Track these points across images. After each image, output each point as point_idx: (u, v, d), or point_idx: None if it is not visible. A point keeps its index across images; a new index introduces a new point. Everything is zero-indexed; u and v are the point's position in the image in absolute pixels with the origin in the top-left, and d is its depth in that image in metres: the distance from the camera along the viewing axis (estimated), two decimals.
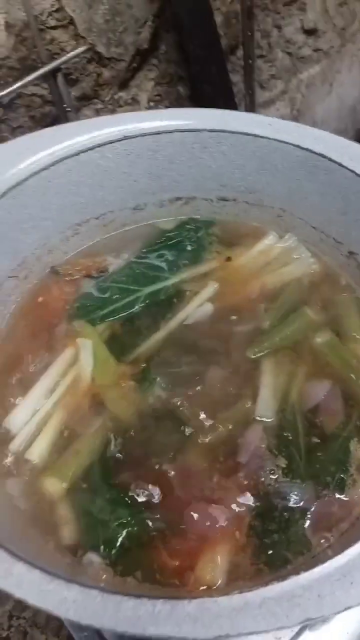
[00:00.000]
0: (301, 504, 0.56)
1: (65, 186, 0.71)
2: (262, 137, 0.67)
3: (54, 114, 0.89)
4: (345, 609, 0.40)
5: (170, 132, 0.70)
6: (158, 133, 0.70)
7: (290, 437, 0.59)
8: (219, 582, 0.52)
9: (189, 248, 0.76)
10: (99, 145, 0.70)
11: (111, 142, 0.70)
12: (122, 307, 0.70)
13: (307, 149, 0.65)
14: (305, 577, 0.42)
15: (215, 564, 0.53)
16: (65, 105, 0.85)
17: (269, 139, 0.67)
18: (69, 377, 0.64)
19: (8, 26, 0.79)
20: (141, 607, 0.41)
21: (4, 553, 0.43)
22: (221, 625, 0.40)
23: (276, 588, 0.41)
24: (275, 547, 0.54)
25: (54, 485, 0.56)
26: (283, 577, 0.42)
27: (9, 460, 0.59)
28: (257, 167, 0.71)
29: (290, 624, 0.39)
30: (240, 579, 0.53)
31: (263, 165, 0.70)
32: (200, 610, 0.41)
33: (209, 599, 0.41)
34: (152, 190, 0.76)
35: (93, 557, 0.53)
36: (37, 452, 0.59)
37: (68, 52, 0.82)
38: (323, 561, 0.43)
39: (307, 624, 0.39)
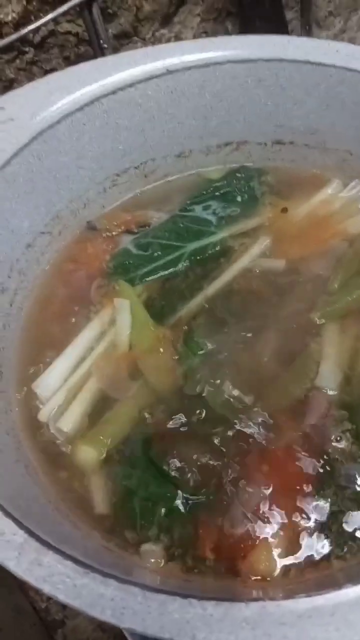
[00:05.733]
0: None
1: (102, 130, 0.64)
2: (328, 65, 0.58)
3: (90, 55, 0.81)
4: None
5: (221, 63, 0.61)
6: (206, 65, 0.62)
7: (358, 412, 0.51)
8: (276, 572, 0.46)
9: (239, 199, 0.69)
10: (139, 82, 0.62)
11: (153, 77, 0.62)
12: (164, 265, 0.64)
13: None
14: None
15: (271, 551, 0.47)
16: (102, 42, 0.77)
17: (337, 67, 0.58)
18: (105, 340, 0.59)
19: None
20: (190, 610, 0.35)
21: (32, 541, 0.37)
22: (285, 635, 0.34)
23: (351, 593, 0.35)
24: (340, 536, 0.48)
25: (88, 455, 0.52)
26: (358, 580, 0.35)
27: (38, 429, 0.54)
28: (321, 103, 0.62)
29: None
30: (298, 570, 0.47)
31: (328, 100, 0.61)
32: (260, 615, 0.35)
33: (270, 602, 0.35)
34: (198, 134, 0.68)
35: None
36: (71, 421, 0.54)
37: None
38: None
39: None
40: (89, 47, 0.81)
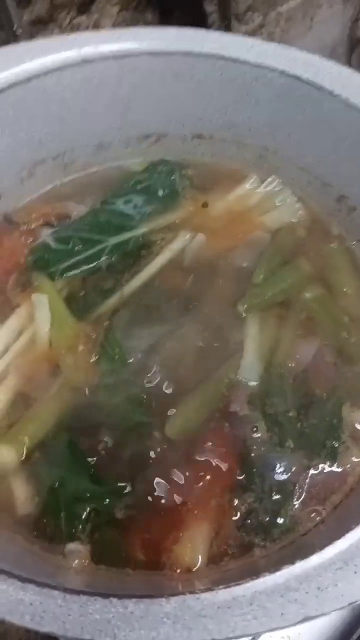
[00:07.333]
0: (289, 475, 0.51)
1: (16, 119, 0.61)
2: (242, 61, 0.58)
3: (2, 39, 0.78)
4: (350, 604, 0.34)
5: (137, 55, 0.60)
6: (123, 56, 0.61)
7: (277, 403, 0.53)
8: (199, 563, 0.47)
9: (160, 193, 0.68)
10: (54, 70, 0.60)
11: (68, 66, 0.60)
12: (85, 260, 0.63)
13: (294, 76, 0.57)
14: (301, 566, 0.36)
15: (195, 543, 0.48)
16: (15, 29, 0.74)
17: (251, 64, 0.58)
18: (24, 337, 0.57)
19: None
20: (111, 609, 0.35)
21: None
22: (206, 626, 0.34)
23: (268, 581, 0.36)
24: (260, 524, 0.49)
25: (8, 456, 0.50)
26: (275, 568, 0.36)
27: None
28: (237, 98, 0.62)
29: (286, 624, 0.34)
30: (222, 560, 0.48)
31: (243, 95, 0.62)
32: (181, 609, 0.35)
33: (190, 595, 0.36)
34: (117, 125, 0.67)
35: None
36: None
37: None
38: (320, 546, 0.37)
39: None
40: (3, 32, 0.78)
